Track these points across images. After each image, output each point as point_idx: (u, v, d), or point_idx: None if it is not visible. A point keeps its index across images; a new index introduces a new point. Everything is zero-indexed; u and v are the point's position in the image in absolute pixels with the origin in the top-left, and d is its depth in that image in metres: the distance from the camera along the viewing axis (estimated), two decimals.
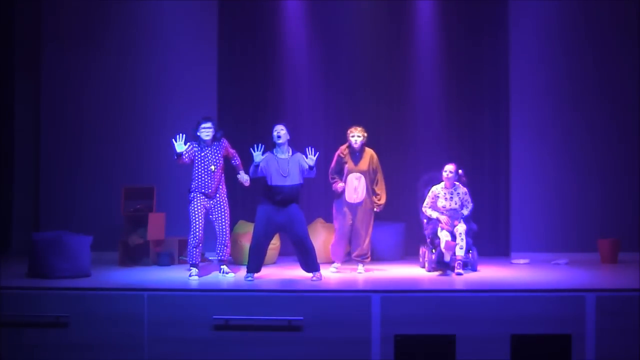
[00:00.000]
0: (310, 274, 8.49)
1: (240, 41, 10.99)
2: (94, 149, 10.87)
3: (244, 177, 8.85)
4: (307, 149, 8.51)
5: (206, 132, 8.67)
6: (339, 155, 9.11)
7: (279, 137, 8.48)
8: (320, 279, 8.42)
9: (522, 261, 10.26)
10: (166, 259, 9.83)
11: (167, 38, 10.88)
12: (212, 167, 8.65)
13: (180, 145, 8.48)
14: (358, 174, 9.01)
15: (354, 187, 8.98)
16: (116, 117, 10.89)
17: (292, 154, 8.57)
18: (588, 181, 10.73)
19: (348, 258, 9.28)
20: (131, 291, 7.64)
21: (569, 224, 10.70)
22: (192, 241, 8.62)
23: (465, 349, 6.88)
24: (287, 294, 7.59)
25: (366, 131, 9.09)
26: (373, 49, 11.04)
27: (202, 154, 8.67)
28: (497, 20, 10.93)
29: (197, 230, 8.62)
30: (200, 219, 8.64)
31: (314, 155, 8.45)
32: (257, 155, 8.39)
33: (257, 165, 8.40)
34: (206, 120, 8.77)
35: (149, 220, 9.82)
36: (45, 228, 10.33)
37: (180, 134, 8.54)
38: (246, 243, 9.12)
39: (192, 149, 8.63)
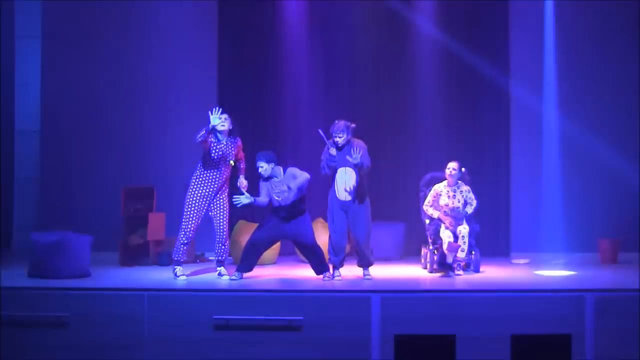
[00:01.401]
0: (321, 275, 8.48)
1: (240, 41, 11.00)
2: (94, 149, 10.88)
3: (243, 182, 8.66)
4: (299, 172, 8.37)
5: (222, 122, 8.45)
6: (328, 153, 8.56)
7: (261, 174, 8.36)
8: (332, 278, 8.42)
9: (522, 261, 10.26)
10: (166, 259, 9.82)
11: (167, 38, 10.89)
12: (232, 162, 8.56)
13: (215, 118, 8.27)
14: (347, 168, 8.48)
15: (344, 181, 8.48)
16: (116, 117, 10.90)
17: (284, 172, 8.44)
18: (588, 181, 10.73)
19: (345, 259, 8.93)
20: (131, 291, 7.64)
21: (569, 224, 10.69)
22: (183, 239, 8.54)
23: (465, 349, 6.87)
24: (287, 294, 7.59)
25: (352, 122, 8.58)
26: (373, 49, 11.04)
27: (219, 146, 8.52)
28: (497, 20, 10.93)
29: (190, 228, 8.53)
30: (197, 217, 8.54)
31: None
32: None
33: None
34: (222, 112, 8.53)
35: (149, 220, 9.82)
36: (45, 228, 10.33)
37: (217, 108, 8.39)
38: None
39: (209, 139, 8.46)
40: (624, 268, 9.53)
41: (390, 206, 10.81)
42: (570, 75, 10.79)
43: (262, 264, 9.64)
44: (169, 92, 10.91)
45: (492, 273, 9.09)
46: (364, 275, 8.67)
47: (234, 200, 8.32)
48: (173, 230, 10.02)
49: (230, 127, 8.61)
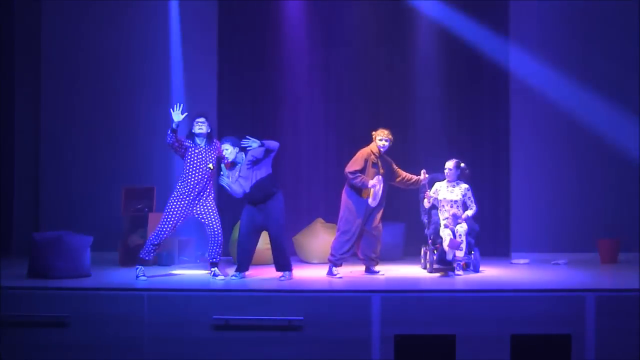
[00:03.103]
0: (280, 273, 8.50)
1: (240, 41, 11.00)
2: (94, 149, 10.88)
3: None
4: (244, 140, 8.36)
5: (199, 125, 8.46)
6: (366, 160, 8.83)
7: (225, 157, 8.41)
8: (290, 279, 8.41)
9: (522, 261, 10.26)
10: (166, 259, 9.82)
11: (167, 38, 10.88)
12: (210, 166, 8.51)
13: (177, 115, 8.26)
14: (380, 177, 8.88)
15: (375, 189, 8.82)
16: (116, 117, 10.90)
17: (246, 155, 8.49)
18: (588, 181, 10.74)
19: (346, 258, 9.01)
20: (131, 291, 7.64)
21: (569, 224, 10.70)
22: (154, 239, 8.49)
23: (465, 349, 6.87)
24: (287, 294, 7.58)
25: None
26: (373, 48, 11.04)
27: (197, 151, 8.51)
28: (497, 20, 10.93)
29: (165, 231, 8.48)
30: (173, 222, 8.49)
31: (250, 140, 8.27)
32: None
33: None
34: (200, 115, 8.55)
35: (149, 220, 9.82)
36: (45, 228, 10.34)
37: (178, 104, 8.38)
38: None
39: (185, 142, 8.46)
40: (624, 268, 9.53)
41: (390, 206, 10.78)
42: (570, 75, 10.79)
43: (262, 264, 9.64)
44: (170, 92, 10.91)
45: (492, 273, 9.09)
46: (379, 274, 8.91)
47: (220, 180, 8.37)
48: None
49: (209, 131, 8.55)
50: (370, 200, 8.84)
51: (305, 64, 11.01)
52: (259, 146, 8.28)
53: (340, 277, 8.61)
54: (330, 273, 8.72)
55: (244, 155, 8.45)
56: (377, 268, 9.01)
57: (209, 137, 8.58)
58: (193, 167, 8.51)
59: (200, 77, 10.93)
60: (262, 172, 8.40)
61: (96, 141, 10.89)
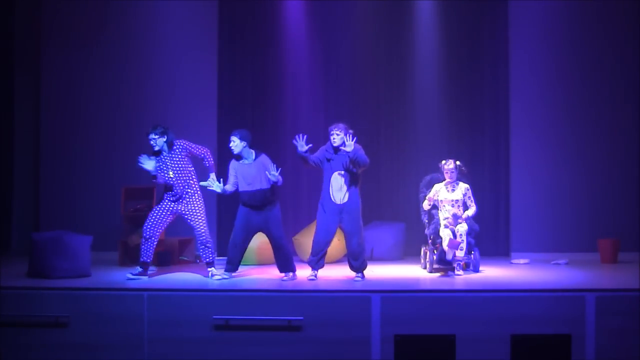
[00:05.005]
0: (282, 274, 8.50)
1: (240, 41, 11.00)
2: (94, 149, 10.87)
3: (209, 183, 8.46)
4: (270, 165, 8.32)
5: (152, 142, 8.54)
6: (318, 158, 8.56)
7: (230, 148, 8.40)
8: (294, 279, 8.41)
9: (522, 261, 10.26)
10: (166, 259, 9.82)
11: (167, 38, 10.89)
12: (170, 174, 8.51)
13: (149, 163, 8.39)
14: (341, 172, 8.45)
15: (339, 185, 8.45)
16: (116, 117, 10.90)
17: (256, 157, 8.44)
18: (588, 181, 10.74)
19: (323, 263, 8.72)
20: (131, 291, 7.65)
21: (569, 224, 10.70)
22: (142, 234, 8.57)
23: (465, 349, 6.87)
24: (287, 294, 7.59)
25: (352, 124, 8.56)
26: (373, 48, 11.05)
27: (161, 162, 8.55)
28: (497, 20, 10.93)
29: (148, 224, 8.50)
30: (157, 216, 8.53)
31: (277, 172, 8.26)
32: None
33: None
34: (151, 131, 8.59)
35: None
36: (45, 228, 10.33)
37: (147, 156, 8.47)
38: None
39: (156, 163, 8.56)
40: (624, 268, 9.53)
41: (390, 206, 10.83)
42: (570, 75, 10.79)
43: (263, 264, 9.65)
44: (169, 91, 10.91)
45: (492, 273, 9.09)
46: (355, 278, 8.54)
47: (207, 182, 8.40)
48: (173, 230, 10.05)
49: (164, 141, 8.54)
50: (335, 199, 8.48)
51: (305, 64, 11.00)
52: (276, 181, 8.30)
53: (312, 279, 8.41)
54: (293, 277, 8.50)
55: (253, 153, 8.42)
56: (364, 272, 8.56)
57: (168, 145, 8.56)
58: (162, 178, 8.55)
59: (200, 77, 10.93)
60: (266, 183, 8.36)
61: (96, 141, 10.89)
